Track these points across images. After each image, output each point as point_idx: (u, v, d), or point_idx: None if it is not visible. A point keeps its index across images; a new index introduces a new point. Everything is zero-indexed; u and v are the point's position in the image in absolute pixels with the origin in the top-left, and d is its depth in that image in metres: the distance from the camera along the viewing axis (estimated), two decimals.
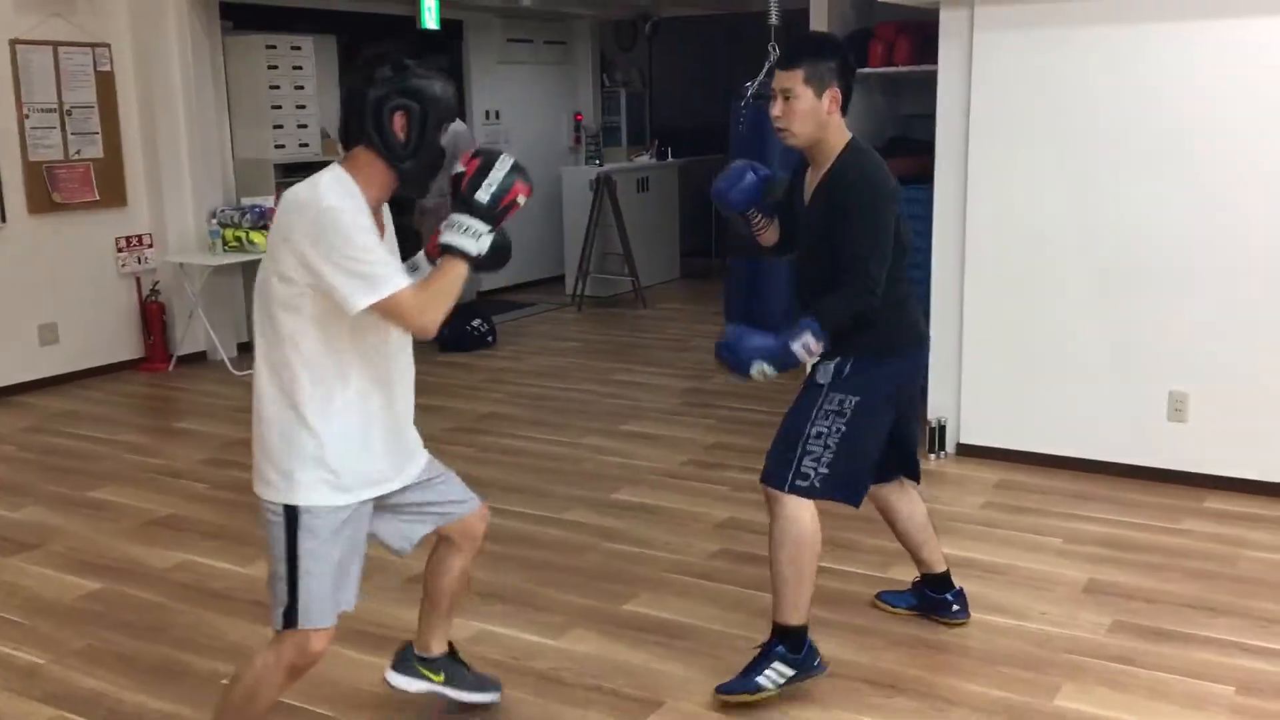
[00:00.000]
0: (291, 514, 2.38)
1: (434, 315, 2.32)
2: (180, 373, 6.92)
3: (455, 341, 7.28)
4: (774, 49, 4.90)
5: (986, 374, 4.89)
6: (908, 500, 3.40)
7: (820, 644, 3.12)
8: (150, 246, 6.98)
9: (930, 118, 6.32)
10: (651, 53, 11.03)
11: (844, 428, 2.96)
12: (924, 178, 5.93)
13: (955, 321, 4.93)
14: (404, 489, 2.58)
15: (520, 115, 9.60)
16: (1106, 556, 3.89)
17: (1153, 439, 4.58)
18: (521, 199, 2.45)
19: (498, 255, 2.55)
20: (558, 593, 3.71)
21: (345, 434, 2.39)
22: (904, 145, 6.22)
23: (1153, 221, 4.47)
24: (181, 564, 4.01)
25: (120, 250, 6.85)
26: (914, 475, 3.38)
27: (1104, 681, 3.07)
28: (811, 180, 3.03)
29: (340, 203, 2.27)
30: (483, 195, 2.40)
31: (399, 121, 2.33)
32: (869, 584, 3.73)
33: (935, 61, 5.40)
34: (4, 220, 6.26)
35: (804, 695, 3.05)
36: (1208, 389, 4.46)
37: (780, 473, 3.02)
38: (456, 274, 2.38)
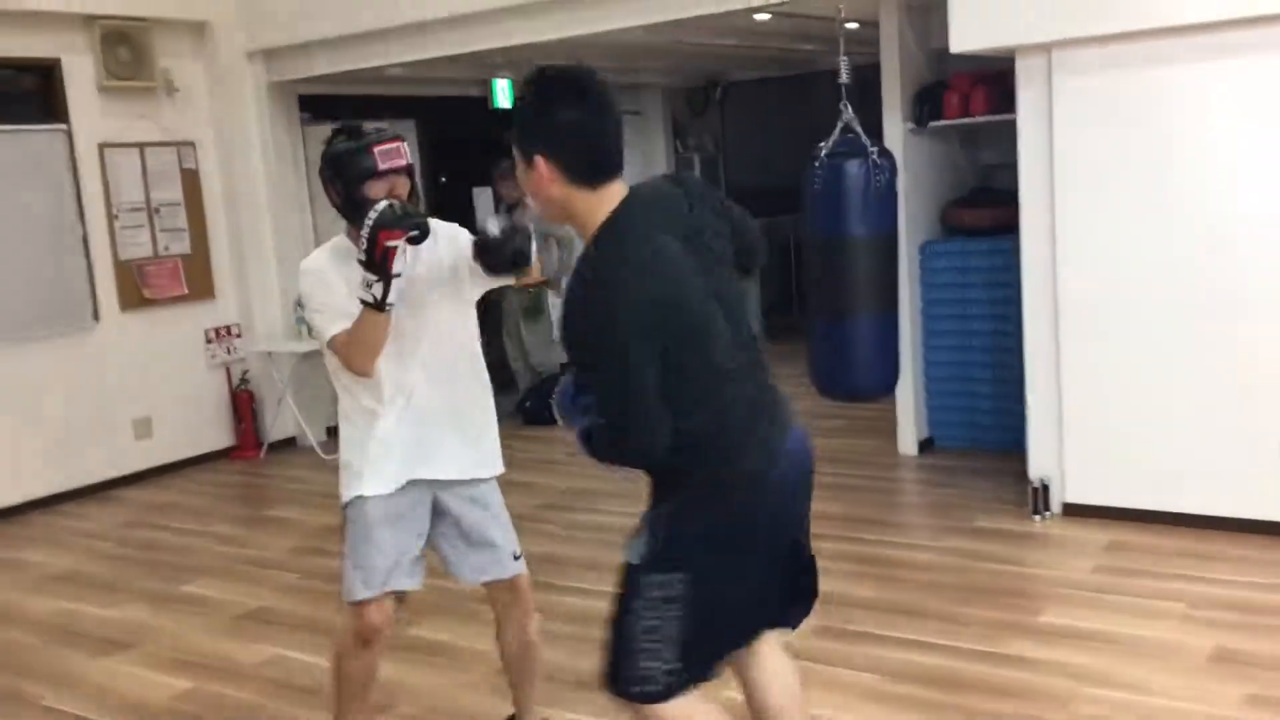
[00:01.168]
0: (343, 509, 2.88)
1: (357, 361, 2.72)
2: (271, 459, 6.98)
3: (538, 414, 7.23)
4: (846, 107, 4.81)
5: (1090, 429, 4.67)
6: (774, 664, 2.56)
7: None
8: (239, 336, 7.10)
9: (1012, 167, 6.19)
10: (723, 116, 11.04)
11: (680, 612, 2.20)
12: (1008, 228, 5.78)
13: (1053, 375, 4.74)
14: (453, 509, 2.90)
15: None
16: (1235, 622, 3.65)
17: (1273, 490, 4.32)
18: (391, 243, 2.58)
19: (511, 255, 2.66)
20: None
21: (360, 440, 2.84)
22: (987, 196, 6.07)
23: (1253, 259, 4.26)
24: (271, 659, 3.98)
25: (210, 341, 6.98)
26: (794, 618, 2.59)
27: None
28: None
29: (310, 265, 2.85)
30: (360, 253, 2.61)
31: (328, 188, 2.79)
32: (979, 660, 3.54)
33: (1010, 110, 5.29)
34: (97, 319, 6.42)
35: None
36: None
37: (620, 677, 2.27)
38: (368, 323, 2.65)
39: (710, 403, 2.16)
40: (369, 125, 2.86)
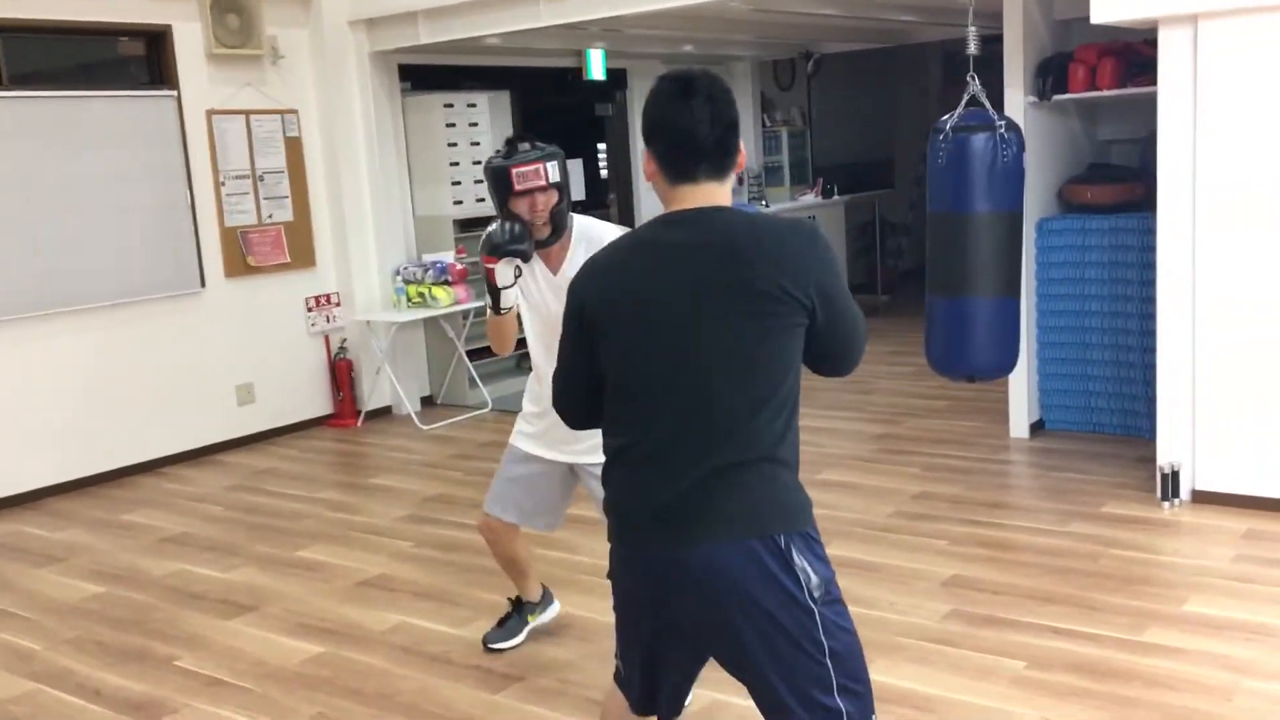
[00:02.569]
0: None
1: (493, 346, 3.36)
2: (369, 428, 7.02)
3: None
4: (973, 79, 4.67)
5: (1225, 414, 4.53)
6: None
7: (1077, 717, 2.87)
8: (338, 305, 7.13)
9: (1133, 142, 6.02)
10: (810, 90, 10.88)
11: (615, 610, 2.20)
12: (1130, 205, 5.63)
13: (1187, 359, 4.60)
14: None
15: None
16: None
17: None
18: (489, 265, 3.14)
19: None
20: None
21: (528, 403, 3.44)
22: (1107, 172, 5.91)
23: None
24: (398, 626, 3.99)
25: (310, 310, 7.02)
26: None
27: None
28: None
29: None
30: None
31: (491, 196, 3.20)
32: (1127, 649, 3.44)
33: (1140, 83, 5.13)
34: (203, 285, 6.48)
35: None
36: None
37: None
38: (490, 320, 3.28)
39: (621, 427, 2.06)
40: (524, 145, 3.16)
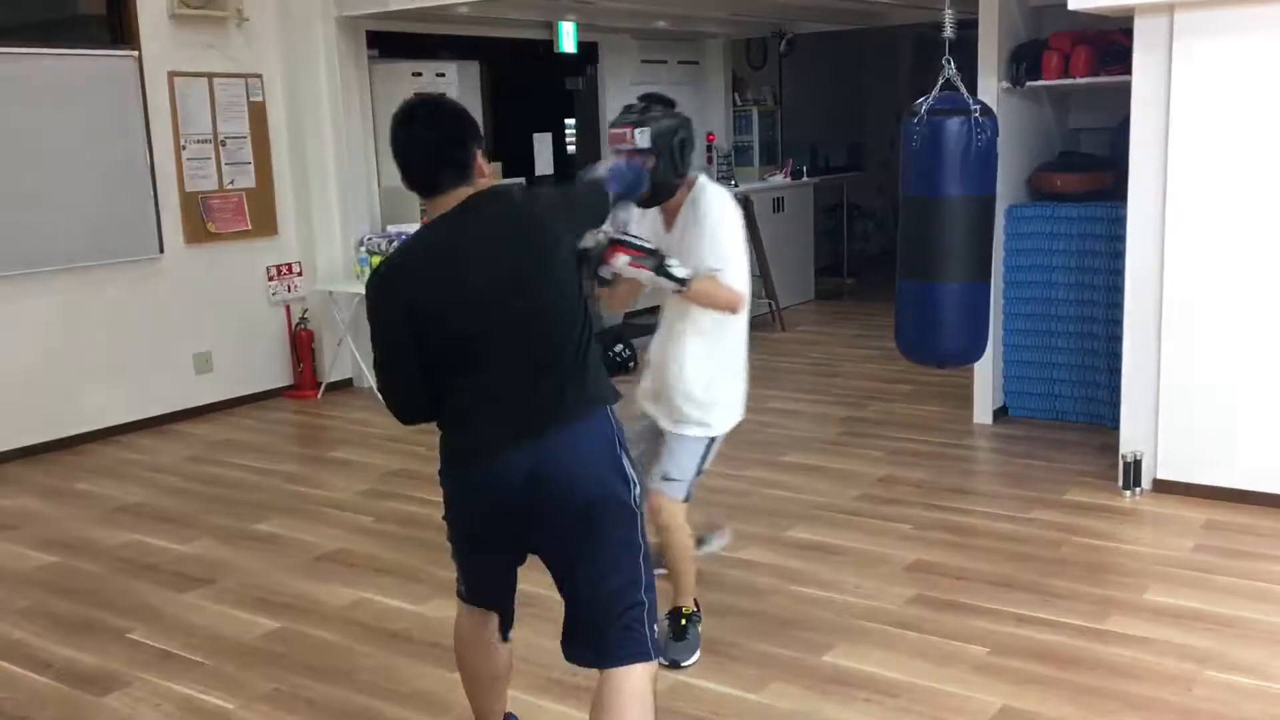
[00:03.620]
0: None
1: None
2: (329, 400, 6.93)
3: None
4: (949, 62, 4.63)
5: (1187, 404, 4.56)
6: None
7: (1047, 707, 2.87)
8: (300, 275, 7.02)
9: (1103, 131, 6.03)
10: (782, 71, 10.84)
11: (451, 540, 2.66)
12: (1099, 194, 5.63)
13: (1153, 348, 4.62)
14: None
15: None
16: None
17: None
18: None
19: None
20: (750, 641, 3.52)
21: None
22: (1077, 160, 5.92)
23: None
24: (357, 602, 3.93)
25: (271, 279, 6.90)
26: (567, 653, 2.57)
27: None
28: None
29: None
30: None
31: None
32: (1089, 637, 3.46)
33: (1114, 72, 5.13)
34: (162, 250, 6.35)
35: None
36: None
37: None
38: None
39: (451, 388, 2.41)
40: (636, 105, 3.17)
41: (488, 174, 2.45)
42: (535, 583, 3.96)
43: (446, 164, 2.38)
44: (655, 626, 2.45)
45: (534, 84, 8.81)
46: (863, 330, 8.39)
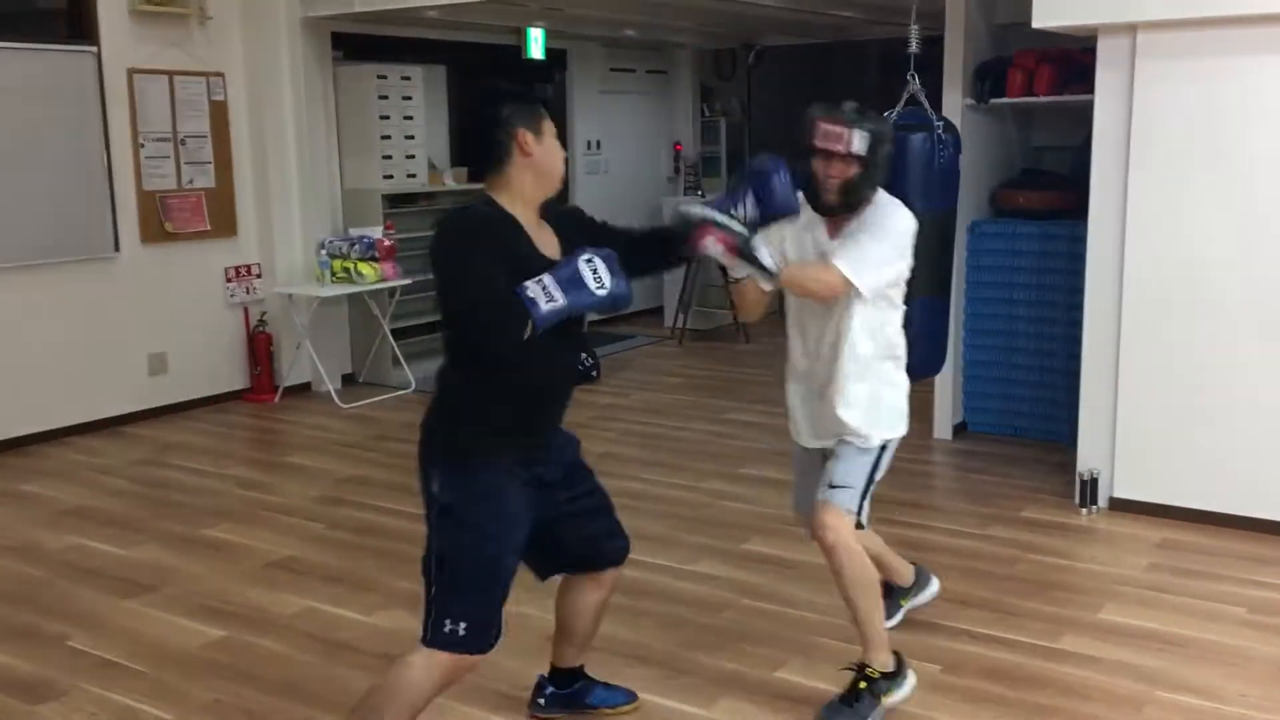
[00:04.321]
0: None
1: None
2: (286, 404, 6.83)
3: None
4: (913, 78, 4.65)
5: (1145, 423, 4.57)
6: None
7: None
8: (259, 277, 6.93)
9: (1065, 149, 6.06)
10: (750, 82, 10.85)
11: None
12: (1060, 212, 5.65)
13: (1110, 366, 4.63)
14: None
15: (620, 145, 9.47)
16: None
17: None
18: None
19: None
20: (702, 656, 3.48)
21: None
22: (1039, 178, 5.94)
23: None
24: (305, 611, 3.86)
25: (229, 280, 6.81)
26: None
27: None
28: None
29: None
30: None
31: None
32: (1042, 655, 3.44)
33: (1076, 91, 5.15)
34: (118, 249, 6.24)
35: None
36: None
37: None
38: None
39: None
40: (852, 104, 2.98)
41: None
42: None
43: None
44: (439, 617, 2.56)
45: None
46: None
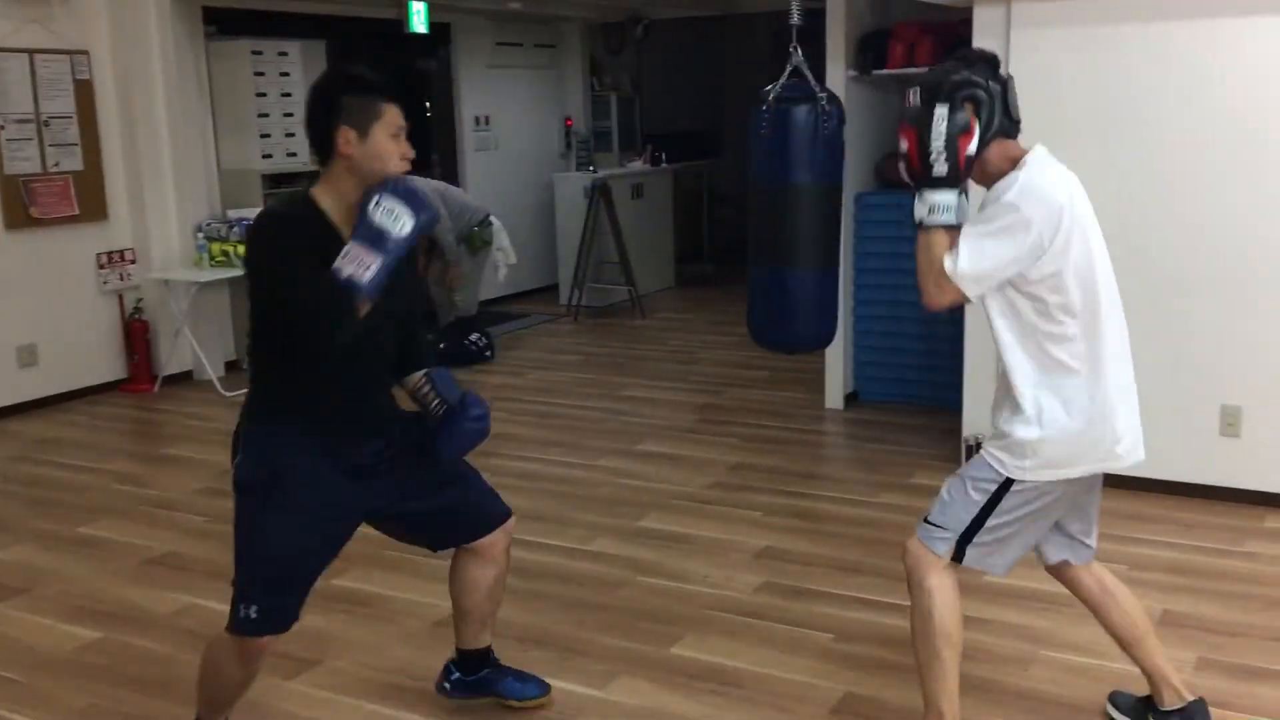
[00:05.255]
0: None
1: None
2: (166, 394, 6.60)
3: (453, 357, 7.01)
4: (796, 50, 4.64)
5: None
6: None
7: (889, 692, 2.88)
8: (133, 262, 6.66)
9: None
10: (640, 56, 10.80)
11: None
12: None
13: (989, 332, 4.69)
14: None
15: (510, 121, 9.34)
16: (1179, 585, 3.68)
17: (1204, 455, 4.38)
18: (969, 150, 2.50)
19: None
20: (597, 635, 3.45)
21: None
22: None
23: (1203, 226, 4.28)
24: (186, 608, 3.73)
25: (101, 267, 6.54)
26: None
27: None
28: None
29: None
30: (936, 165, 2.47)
31: None
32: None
33: None
34: None
35: None
36: (1262, 403, 4.27)
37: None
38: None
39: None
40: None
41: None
42: (376, 583, 3.86)
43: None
44: (236, 600, 2.58)
45: (383, 65, 8.55)
46: (722, 317, 8.40)
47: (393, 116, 2.46)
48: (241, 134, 6.99)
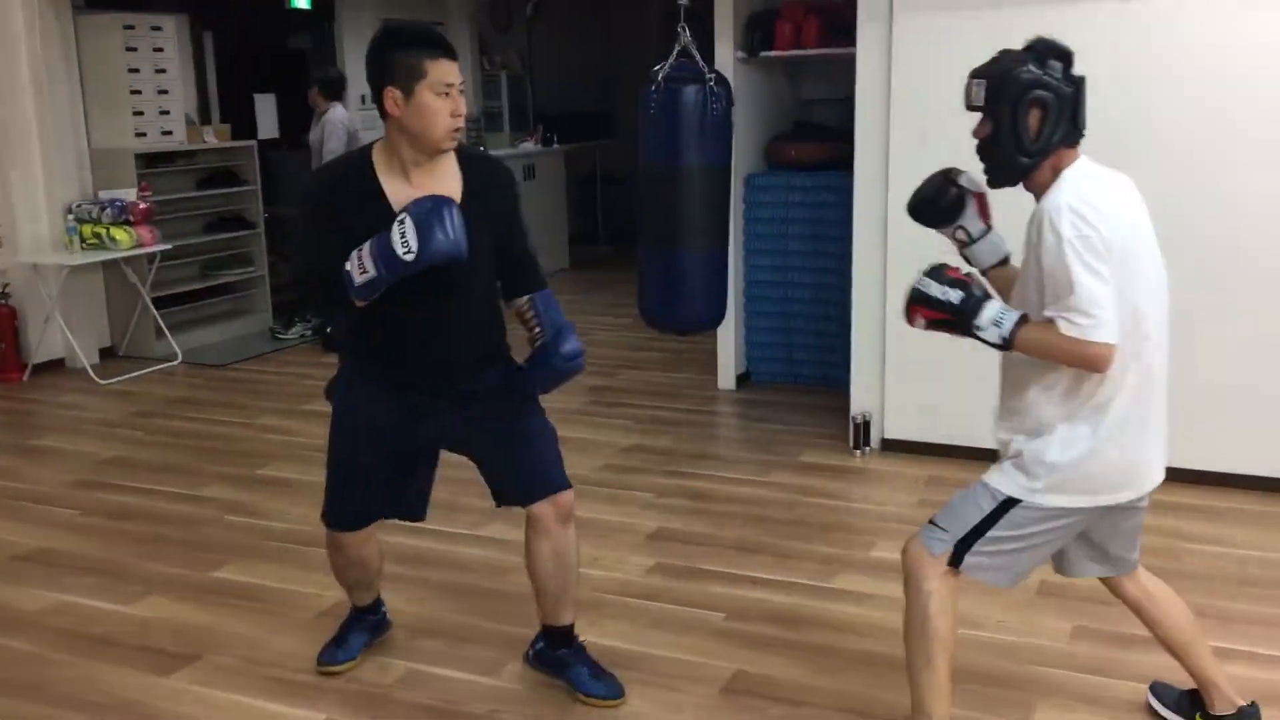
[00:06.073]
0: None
1: None
2: (36, 383, 6.33)
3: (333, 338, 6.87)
4: (684, 30, 4.63)
5: (911, 367, 4.75)
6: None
7: (778, 669, 2.91)
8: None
9: (834, 102, 6.21)
10: (531, 35, 10.69)
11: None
12: (832, 164, 5.80)
13: (878, 312, 4.78)
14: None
15: None
16: None
17: None
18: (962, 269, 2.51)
19: None
20: (488, 622, 3.41)
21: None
22: (811, 131, 6.07)
23: None
24: (56, 606, 3.58)
25: None
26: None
27: (1080, 696, 2.95)
28: None
29: None
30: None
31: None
32: (818, 596, 3.54)
33: (846, 43, 5.26)
34: None
35: None
36: None
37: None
38: None
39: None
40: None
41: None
42: (259, 575, 3.76)
43: None
44: None
45: (261, 41, 8.29)
46: (616, 298, 8.38)
47: (440, 73, 2.46)
48: (113, 112, 6.71)
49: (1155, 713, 2.83)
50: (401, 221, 2.38)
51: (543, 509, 2.81)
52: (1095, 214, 2.25)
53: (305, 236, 2.65)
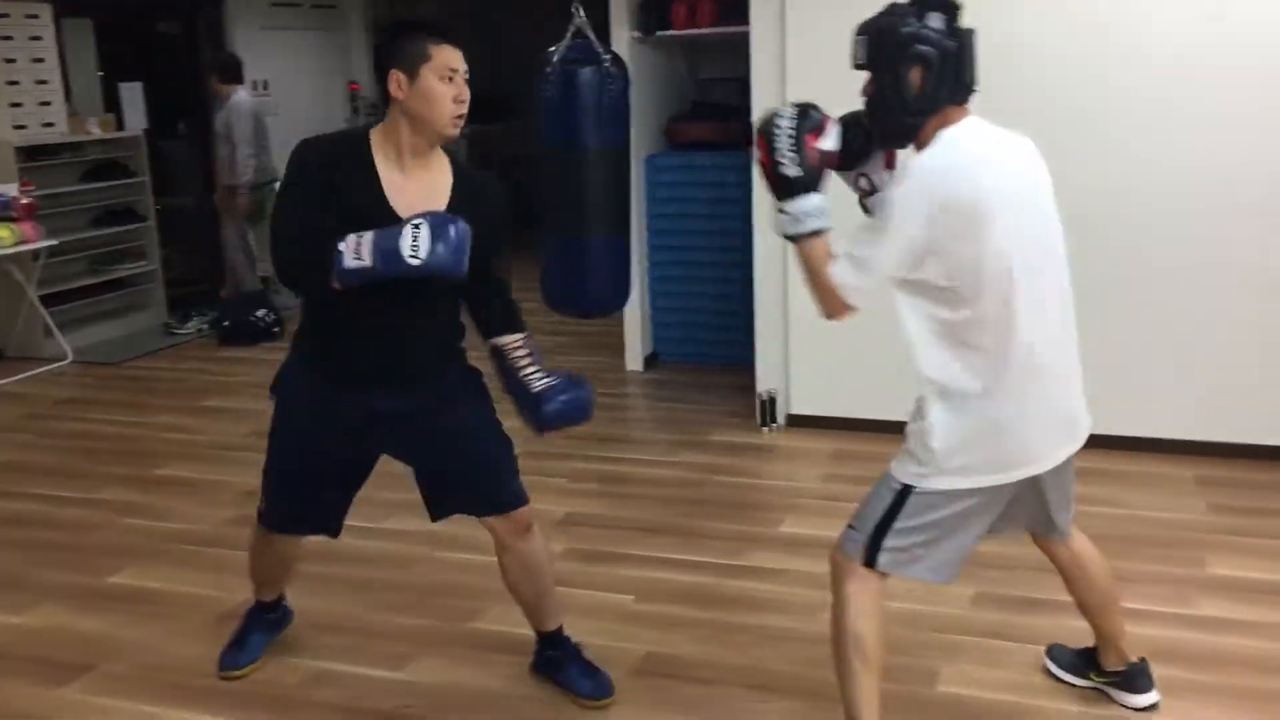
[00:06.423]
0: None
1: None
2: None
3: (237, 334, 6.70)
4: (578, 10, 4.58)
5: (814, 343, 4.80)
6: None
7: (688, 649, 2.92)
8: None
9: (732, 81, 6.21)
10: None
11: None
12: (731, 143, 5.81)
13: (779, 289, 4.82)
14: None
15: (290, 85, 8.91)
16: None
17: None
18: (821, 144, 2.33)
19: None
20: (392, 616, 3.37)
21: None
22: (709, 110, 6.07)
23: None
24: None
25: None
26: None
27: (981, 660, 3.01)
28: None
29: None
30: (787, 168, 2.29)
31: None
32: (728, 574, 3.56)
33: (741, 22, 5.27)
34: None
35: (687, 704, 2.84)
36: None
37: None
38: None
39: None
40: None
41: None
42: (157, 579, 3.66)
43: None
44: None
45: (129, 25, 7.97)
46: (521, 283, 8.14)
47: (444, 58, 2.47)
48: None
49: (1052, 675, 2.90)
50: (417, 226, 2.37)
51: (498, 524, 2.81)
52: (931, 184, 2.19)
53: (289, 203, 2.49)
